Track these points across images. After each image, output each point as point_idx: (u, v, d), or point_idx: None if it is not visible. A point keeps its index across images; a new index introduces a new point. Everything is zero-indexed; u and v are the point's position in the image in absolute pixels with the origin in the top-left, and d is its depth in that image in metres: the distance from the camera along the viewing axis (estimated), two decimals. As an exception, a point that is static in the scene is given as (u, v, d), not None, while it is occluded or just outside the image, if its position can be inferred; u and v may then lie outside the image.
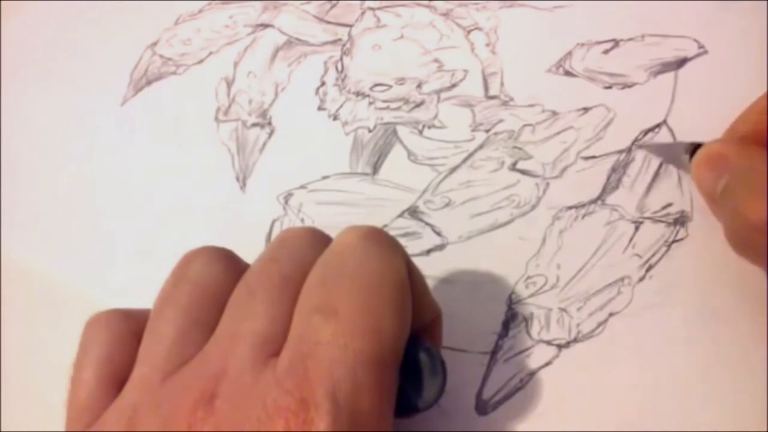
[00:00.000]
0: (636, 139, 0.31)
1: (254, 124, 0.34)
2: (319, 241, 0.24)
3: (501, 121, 0.32)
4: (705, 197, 0.27)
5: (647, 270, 0.28)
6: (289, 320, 0.22)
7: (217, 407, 0.20)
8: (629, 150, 0.31)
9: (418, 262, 0.25)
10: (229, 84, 0.35)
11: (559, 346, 0.28)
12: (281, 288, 0.22)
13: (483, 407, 0.27)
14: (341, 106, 0.34)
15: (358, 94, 0.34)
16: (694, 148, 0.28)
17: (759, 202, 0.24)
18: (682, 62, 0.32)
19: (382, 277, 0.22)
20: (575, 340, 0.28)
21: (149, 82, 0.36)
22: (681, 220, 0.29)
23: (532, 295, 0.29)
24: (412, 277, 0.23)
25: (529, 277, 0.29)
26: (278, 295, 0.22)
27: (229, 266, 0.24)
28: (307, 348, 0.20)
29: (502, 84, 0.33)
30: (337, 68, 0.35)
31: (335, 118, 0.34)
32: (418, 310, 0.23)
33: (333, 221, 0.26)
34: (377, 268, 0.22)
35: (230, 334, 0.22)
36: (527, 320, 0.28)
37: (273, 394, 0.20)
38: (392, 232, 0.30)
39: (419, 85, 0.34)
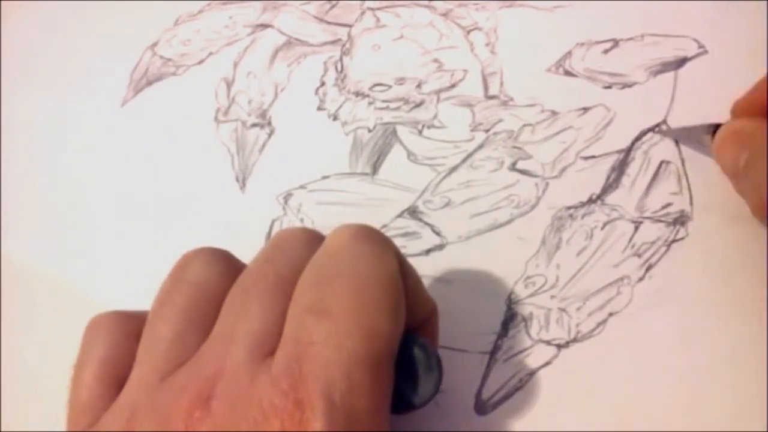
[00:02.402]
0: (636, 139, 0.31)
1: (254, 125, 0.34)
2: (314, 241, 0.24)
3: (500, 121, 0.32)
4: (727, 173, 0.28)
5: (647, 270, 0.28)
6: (285, 320, 0.22)
7: (213, 408, 0.20)
8: (629, 150, 0.31)
9: (417, 261, 0.25)
10: (229, 84, 0.35)
11: (559, 346, 0.28)
12: (276, 288, 0.22)
13: (482, 407, 0.27)
14: (341, 106, 0.34)
15: (357, 94, 0.34)
16: (715, 128, 0.29)
17: None
18: (681, 62, 0.32)
19: (374, 276, 0.22)
20: (575, 340, 0.28)
21: (149, 83, 0.36)
22: (681, 220, 0.29)
23: (531, 295, 0.29)
24: (404, 273, 0.23)
25: (528, 277, 0.29)
26: (273, 296, 0.22)
27: (226, 268, 0.24)
28: (301, 348, 0.20)
29: (501, 84, 0.33)
30: (336, 68, 0.35)
31: (335, 118, 0.34)
32: (412, 306, 0.23)
33: (332, 221, 0.26)
34: (369, 267, 0.22)
35: (226, 335, 0.22)
36: (526, 320, 0.28)
37: (269, 395, 0.20)
38: (391, 232, 0.30)
39: (419, 85, 0.34)
